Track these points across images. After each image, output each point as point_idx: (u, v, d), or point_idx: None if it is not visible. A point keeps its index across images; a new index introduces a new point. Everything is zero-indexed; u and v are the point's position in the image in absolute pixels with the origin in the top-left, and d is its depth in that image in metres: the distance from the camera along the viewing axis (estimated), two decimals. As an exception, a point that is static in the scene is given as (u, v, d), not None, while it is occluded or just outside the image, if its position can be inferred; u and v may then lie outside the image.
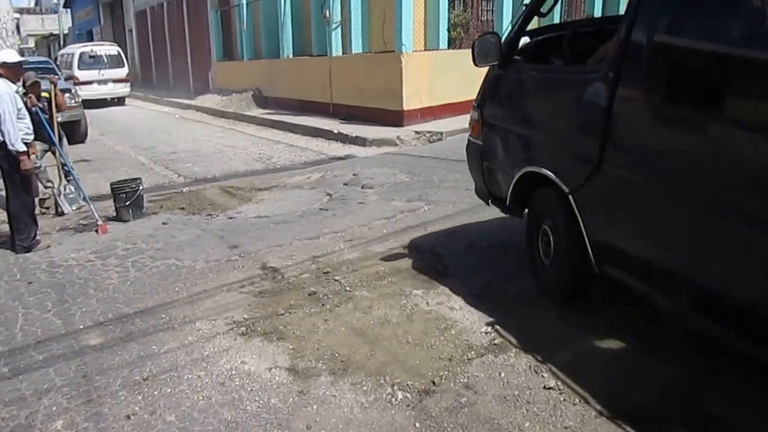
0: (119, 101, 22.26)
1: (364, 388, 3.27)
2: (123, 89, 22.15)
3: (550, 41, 4.64)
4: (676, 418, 2.88)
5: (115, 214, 6.75)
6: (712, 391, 3.04)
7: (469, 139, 5.03)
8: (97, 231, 6.27)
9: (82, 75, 20.72)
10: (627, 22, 3.23)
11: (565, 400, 3.07)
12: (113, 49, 22.59)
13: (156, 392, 3.35)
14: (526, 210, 4.51)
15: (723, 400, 2.96)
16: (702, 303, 3.00)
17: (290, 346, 3.74)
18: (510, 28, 4.47)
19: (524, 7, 4.39)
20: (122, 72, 22.09)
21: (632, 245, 3.40)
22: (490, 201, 4.91)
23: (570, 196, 3.71)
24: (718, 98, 2.79)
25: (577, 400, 3.06)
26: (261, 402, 3.21)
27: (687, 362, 3.28)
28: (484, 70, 4.69)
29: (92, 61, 21.44)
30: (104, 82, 21.27)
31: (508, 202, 4.53)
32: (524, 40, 4.56)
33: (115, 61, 22.02)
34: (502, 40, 4.37)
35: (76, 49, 22.30)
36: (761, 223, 2.56)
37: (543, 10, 4.36)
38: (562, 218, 3.91)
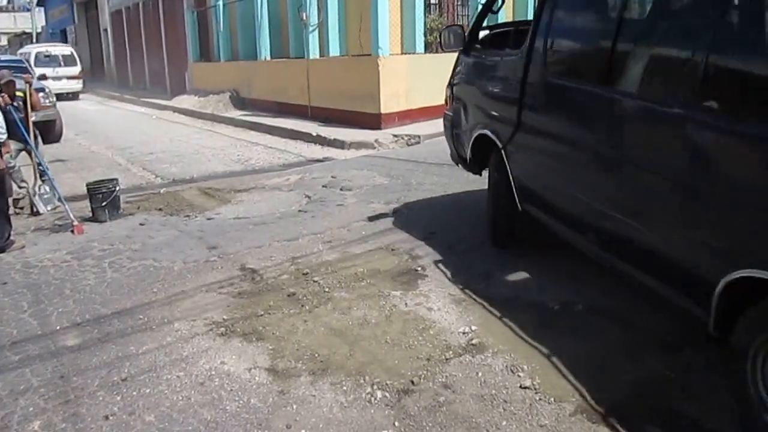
0: (73, 96, 24.13)
1: (344, 387, 3.30)
2: (76, 85, 24.61)
3: (504, 33, 5.73)
4: (648, 415, 2.95)
5: (91, 214, 6.70)
6: (681, 389, 3.12)
7: (444, 112, 6.08)
8: (72, 231, 6.22)
9: (37, 72, 21.81)
10: (535, 19, 4.35)
11: (540, 399, 3.13)
12: (67, 50, 25.56)
13: (135, 393, 3.34)
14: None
15: (692, 398, 3.04)
16: (582, 231, 3.94)
17: (270, 347, 3.75)
18: (471, 22, 5.61)
19: (481, 6, 5.62)
20: (75, 70, 24.65)
21: (540, 186, 4.49)
22: (459, 163, 5.94)
23: (502, 150, 4.76)
24: (590, 74, 3.83)
25: (552, 399, 3.11)
26: (241, 402, 3.22)
27: (658, 362, 3.36)
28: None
29: (47, 60, 23.72)
30: (58, 78, 23.02)
31: (468, 161, 5.58)
32: (485, 32, 5.82)
33: (68, 61, 24.62)
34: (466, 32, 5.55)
35: (33, 49, 25.12)
36: (614, 162, 3.50)
37: (494, 8, 5.52)
38: (498, 169, 4.92)
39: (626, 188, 3.41)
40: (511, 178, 4.73)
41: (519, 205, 4.71)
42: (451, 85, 5.84)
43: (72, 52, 25.33)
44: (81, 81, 25.08)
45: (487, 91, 5.17)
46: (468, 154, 5.48)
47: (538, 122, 4.34)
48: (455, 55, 5.84)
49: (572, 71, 4.10)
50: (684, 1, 3.38)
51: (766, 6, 2.65)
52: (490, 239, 5.21)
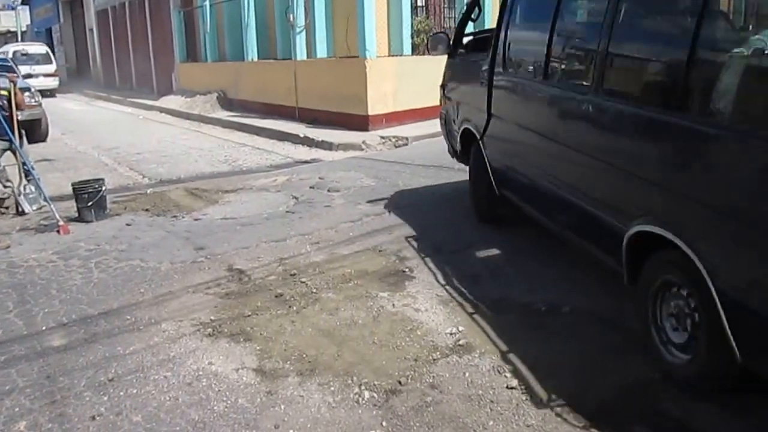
0: (50, 93, 24.79)
1: (332, 388, 3.31)
2: (52, 83, 25.85)
3: (485, 39, 6.06)
4: (633, 416, 2.98)
5: (77, 214, 6.65)
6: (665, 390, 3.15)
7: (439, 111, 6.85)
8: (58, 231, 6.18)
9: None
10: (497, 26, 5.21)
11: (527, 399, 3.15)
12: (42, 49, 27.10)
13: (122, 393, 3.34)
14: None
15: (678, 400, 3.07)
16: (539, 207, 4.66)
17: (257, 347, 3.75)
18: (455, 28, 6.46)
19: (462, 15, 6.41)
20: (51, 68, 26.15)
21: (507, 169, 5.11)
22: (453, 156, 6.62)
23: (480, 140, 5.48)
24: (537, 70, 4.59)
25: (539, 399, 3.14)
26: (229, 402, 3.22)
27: (644, 363, 3.39)
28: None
29: (25, 59, 24.72)
30: (35, 76, 23.81)
31: (459, 154, 6.28)
32: (470, 38, 6.54)
33: (44, 59, 26.14)
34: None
35: (10, 48, 26.39)
36: (549, 142, 4.18)
37: (473, 17, 6.23)
38: (477, 158, 5.68)
39: (559, 164, 4.16)
40: (488, 165, 5.42)
41: (496, 190, 5.36)
42: (442, 86, 6.60)
43: (47, 51, 26.96)
44: (57, 79, 26.52)
45: (467, 90, 5.96)
46: (458, 147, 6.22)
47: (501, 113, 5.12)
48: (442, 57, 6.34)
49: (522, 69, 4.99)
50: (586, 20, 4.37)
51: (631, 25, 3.59)
52: (476, 217, 5.93)
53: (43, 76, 24.91)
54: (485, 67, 5.29)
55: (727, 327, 2.74)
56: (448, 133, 6.59)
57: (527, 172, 4.76)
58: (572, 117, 3.99)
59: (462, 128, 5.95)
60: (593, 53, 3.71)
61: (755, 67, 2.78)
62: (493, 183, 5.36)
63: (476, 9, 6.10)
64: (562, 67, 4.38)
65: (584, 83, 3.88)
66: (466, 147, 6.00)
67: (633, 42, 3.61)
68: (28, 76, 18.27)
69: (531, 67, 4.82)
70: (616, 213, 3.49)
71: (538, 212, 4.69)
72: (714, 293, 2.76)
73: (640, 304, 3.40)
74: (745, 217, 2.63)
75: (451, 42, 6.13)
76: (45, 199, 6.85)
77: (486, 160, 5.42)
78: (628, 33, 3.60)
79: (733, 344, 2.74)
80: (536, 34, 4.73)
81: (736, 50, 2.90)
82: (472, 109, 5.72)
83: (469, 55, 6.08)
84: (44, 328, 4.15)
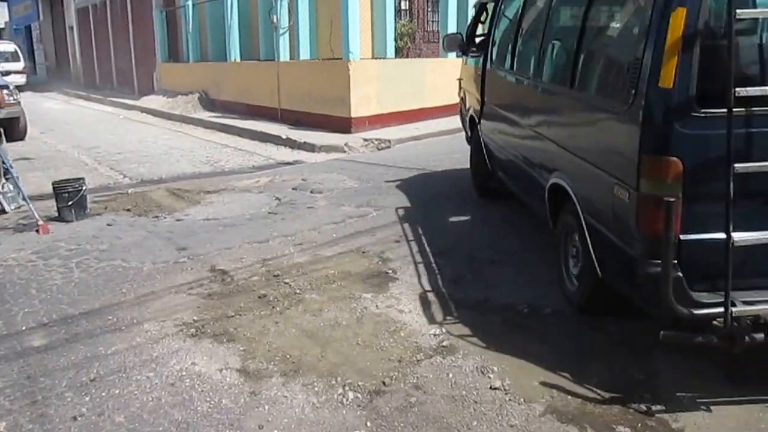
0: (19, 89, 24.79)
1: (316, 388, 3.31)
2: (20, 80, 25.70)
3: None
4: (617, 416, 3.01)
5: (57, 214, 6.59)
6: (649, 391, 3.19)
7: (459, 102, 8.16)
8: (37, 231, 6.11)
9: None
10: (488, 27, 6.39)
11: (510, 399, 3.17)
12: (11, 47, 27.86)
13: (104, 393, 3.31)
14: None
15: (660, 400, 3.11)
16: (510, 174, 5.63)
17: (241, 348, 3.75)
18: (467, 30, 7.42)
19: (472, 18, 7.37)
20: (19, 65, 26.83)
21: (494, 146, 5.97)
22: (468, 140, 7.52)
23: (478, 124, 6.57)
24: (506, 62, 5.53)
25: (522, 399, 3.16)
26: (212, 402, 3.21)
27: (626, 365, 3.44)
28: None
29: None
30: (6, 74, 24.31)
31: (469, 137, 7.35)
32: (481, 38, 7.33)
33: (12, 57, 26.73)
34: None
35: None
36: (519, 122, 5.08)
37: (482, 20, 7.01)
38: (476, 140, 6.70)
39: (518, 138, 5.10)
40: (482, 144, 6.40)
41: (488, 165, 6.31)
42: (459, 79, 7.92)
43: (16, 49, 27.72)
44: (24, 76, 27.11)
45: (472, 82, 6.89)
46: (468, 131, 7.37)
47: (489, 99, 6.13)
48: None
49: (499, 62, 5.91)
50: (533, 27, 5.09)
51: (554, 28, 4.63)
52: (476, 192, 6.96)
53: (12, 73, 25.01)
54: (480, 61, 6.42)
55: (591, 251, 3.60)
56: (463, 120, 7.83)
57: (503, 146, 5.65)
58: (520, 96, 5.17)
59: (469, 114, 7.17)
60: (535, 47, 4.78)
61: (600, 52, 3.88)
62: (486, 160, 6.35)
63: (484, 12, 6.95)
64: (519, 59, 5.34)
65: (530, 70, 4.90)
66: (472, 131, 7.09)
67: (553, 38, 4.61)
68: (7, 73, 18.11)
69: (504, 61, 5.77)
70: (543, 171, 4.41)
71: (507, 179, 5.73)
72: (584, 224, 3.66)
73: (556, 248, 4.28)
74: (591, 162, 3.54)
75: (464, 41, 7.10)
76: (24, 198, 6.76)
77: (481, 139, 6.45)
78: (553, 32, 4.63)
79: (596, 264, 3.57)
80: (508, 35, 5.75)
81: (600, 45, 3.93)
82: (474, 98, 6.82)
83: (477, 53, 6.97)
84: (24, 328, 4.10)
